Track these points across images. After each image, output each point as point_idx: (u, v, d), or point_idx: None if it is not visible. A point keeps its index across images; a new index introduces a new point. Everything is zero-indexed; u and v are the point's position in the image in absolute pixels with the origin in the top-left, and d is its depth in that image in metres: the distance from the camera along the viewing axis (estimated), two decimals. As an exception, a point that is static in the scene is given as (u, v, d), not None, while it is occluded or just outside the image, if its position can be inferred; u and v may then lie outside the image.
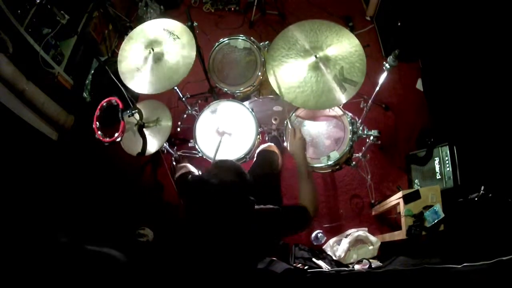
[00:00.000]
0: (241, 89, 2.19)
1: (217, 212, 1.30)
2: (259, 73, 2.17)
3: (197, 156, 2.11)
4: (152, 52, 1.96)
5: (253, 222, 1.36)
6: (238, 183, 1.31)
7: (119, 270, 1.57)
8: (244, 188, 1.33)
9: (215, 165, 1.38)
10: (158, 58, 1.96)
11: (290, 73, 1.71)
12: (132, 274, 1.56)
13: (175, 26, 2.02)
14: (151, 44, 1.98)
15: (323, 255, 2.45)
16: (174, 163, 2.73)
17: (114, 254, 1.63)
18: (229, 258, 1.34)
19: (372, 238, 2.39)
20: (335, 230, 2.58)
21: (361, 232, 2.45)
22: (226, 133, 2.02)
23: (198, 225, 1.38)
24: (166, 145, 2.27)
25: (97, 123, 1.96)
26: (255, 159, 2.05)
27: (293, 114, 2.04)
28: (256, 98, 2.22)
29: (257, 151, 2.06)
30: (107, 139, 1.96)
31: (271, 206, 1.42)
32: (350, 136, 1.91)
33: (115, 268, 1.57)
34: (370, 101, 1.99)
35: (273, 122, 2.36)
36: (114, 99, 1.98)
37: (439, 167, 2.38)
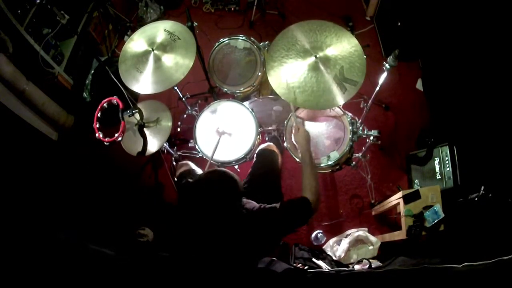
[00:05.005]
0: (241, 89, 2.19)
1: (204, 217, 1.33)
2: (259, 73, 2.17)
3: (197, 156, 2.11)
4: (153, 53, 1.96)
5: (248, 223, 1.37)
6: (227, 190, 1.33)
7: (118, 267, 1.57)
8: (234, 196, 1.35)
9: (206, 173, 1.40)
10: (158, 58, 1.96)
11: (290, 73, 1.71)
12: (130, 273, 1.56)
13: (175, 26, 2.02)
14: (151, 45, 1.98)
15: (323, 255, 2.44)
16: (174, 163, 2.73)
17: (112, 253, 1.63)
18: (225, 258, 1.34)
19: (372, 238, 2.39)
20: (335, 230, 2.58)
21: (361, 232, 2.44)
22: (226, 133, 2.02)
23: (190, 226, 1.41)
24: (166, 145, 2.27)
25: (97, 123, 1.96)
26: (255, 159, 2.05)
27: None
28: (256, 98, 2.22)
29: (257, 151, 2.06)
30: (107, 139, 1.96)
31: (270, 206, 1.43)
32: (350, 136, 1.91)
33: (114, 265, 1.57)
34: (370, 101, 1.99)
35: (273, 120, 2.36)
36: (115, 99, 1.98)
37: (439, 167, 2.38)
